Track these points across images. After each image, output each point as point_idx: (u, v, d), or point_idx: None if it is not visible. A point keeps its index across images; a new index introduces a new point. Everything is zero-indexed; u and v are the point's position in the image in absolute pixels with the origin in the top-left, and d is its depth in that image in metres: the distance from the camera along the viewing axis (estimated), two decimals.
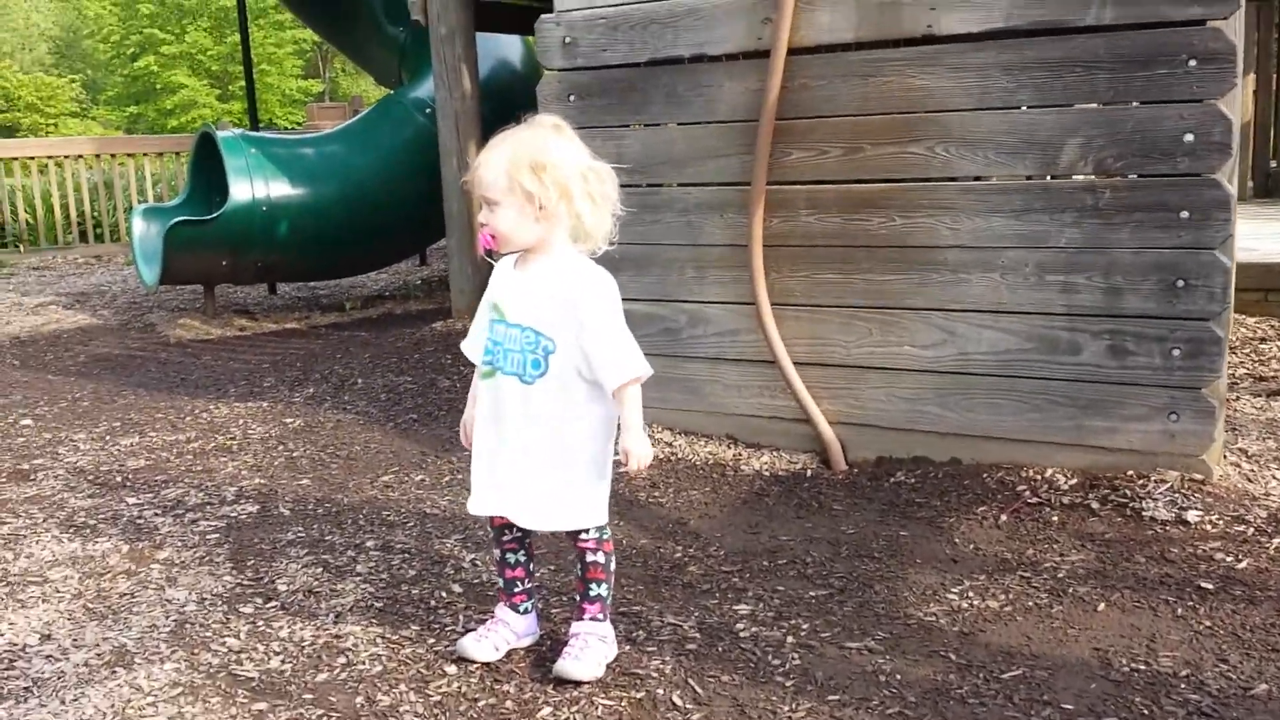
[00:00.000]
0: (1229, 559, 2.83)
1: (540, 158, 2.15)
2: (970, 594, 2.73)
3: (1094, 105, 3.20)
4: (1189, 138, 3.08)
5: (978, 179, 3.39)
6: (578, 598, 2.41)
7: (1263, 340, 4.93)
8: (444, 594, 2.82)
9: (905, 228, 3.46)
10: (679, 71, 3.71)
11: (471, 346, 2.42)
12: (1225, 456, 3.42)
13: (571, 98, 3.88)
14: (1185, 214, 3.13)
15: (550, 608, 2.70)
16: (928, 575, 2.84)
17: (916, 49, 3.38)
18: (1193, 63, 3.04)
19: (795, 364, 3.65)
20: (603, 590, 2.38)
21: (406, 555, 3.09)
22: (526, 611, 2.49)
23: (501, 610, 2.48)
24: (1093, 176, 3.25)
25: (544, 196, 2.15)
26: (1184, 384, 3.23)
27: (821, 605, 2.71)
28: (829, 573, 2.89)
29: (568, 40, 3.86)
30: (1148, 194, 3.17)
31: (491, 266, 2.44)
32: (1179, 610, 2.59)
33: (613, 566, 2.41)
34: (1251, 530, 2.98)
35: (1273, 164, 8.06)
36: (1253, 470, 3.38)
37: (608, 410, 2.32)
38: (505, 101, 4.88)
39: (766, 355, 3.69)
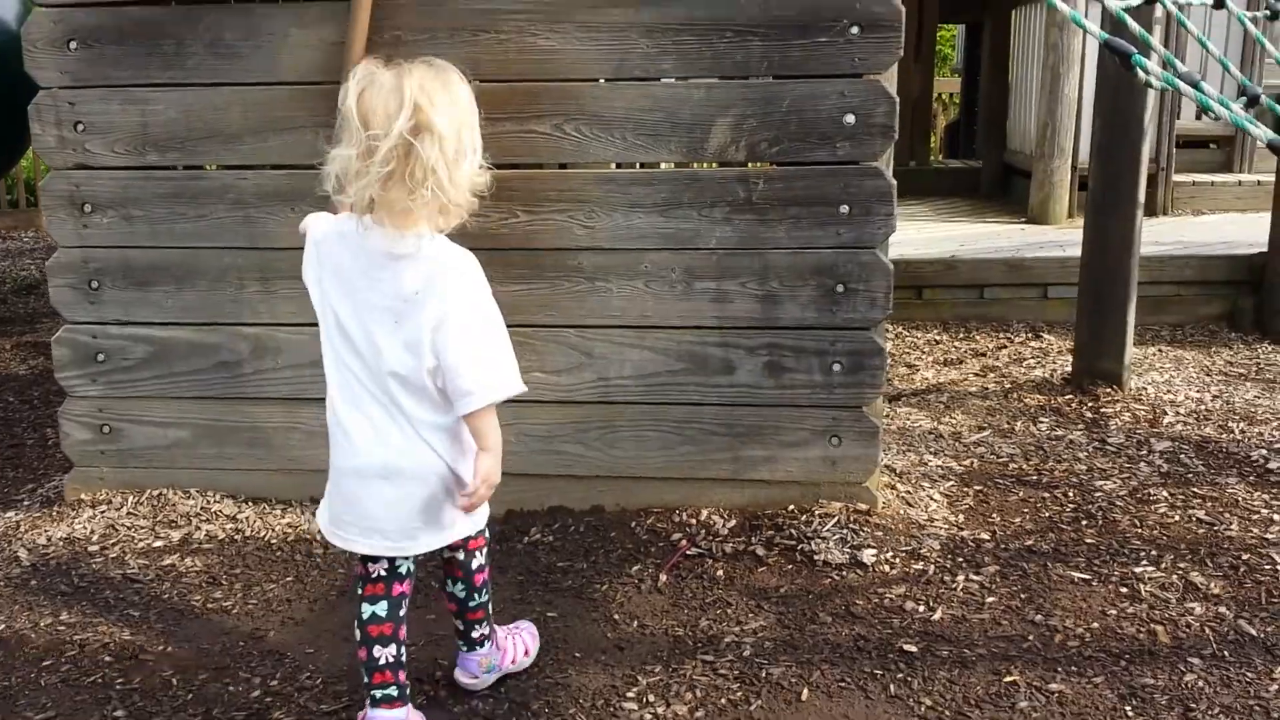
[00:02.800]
0: (920, 608, 2.43)
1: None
2: (651, 697, 2.10)
3: (746, 78, 2.70)
4: (849, 119, 2.68)
5: (617, 167, 2.79)
6: None
7: None
8: None
9: (531, 226, 2.78)
10: (227, 11, 2.77)
11: None
12: (881, 477, 3.09)
13: (72, 44, 2.79)
14: (845, 208, 2.73)
15: None
16: (593, 675, 2.18)
17: None
18: (854, 30, 2.64)
19: None
20: None
21: None
22: None
23: None
24: (746, 165, 2.76)
25: None
26: (845, 403, 2.84)
27: None
28: (468, 692, 2.13)
29: None
30: (805, 185, 2.73)
31: None
32: (890, 687, 2.13)
33: None
34: (932, 568, 2.62)
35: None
36: (908, 492, 3.07)
37: None
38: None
39: None
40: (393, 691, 1.89)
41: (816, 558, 2.65)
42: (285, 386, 2.93)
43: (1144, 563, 2.61)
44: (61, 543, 2.77)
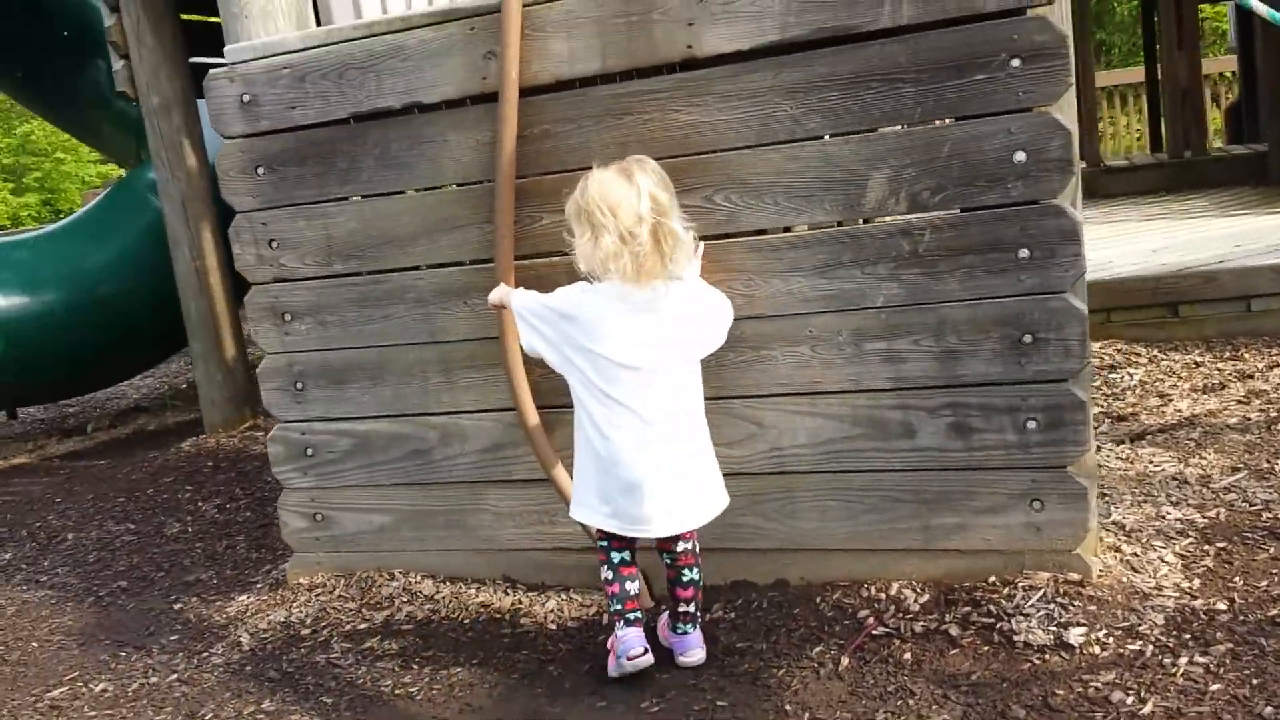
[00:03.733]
0: (1129, 699, 2.16)
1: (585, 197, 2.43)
2: None
3: (900, 127, 2.54)
4: (1020, 157, 2.45)
5: (760, 232, 2.70)
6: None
7: (1112, 368, 4.42)
8: None
9: None
10: (390, 126, 2.92)
11: None
12: (1101, 538, 2.79)
13: (260, 170, 3.04)
14: (1025, 252, 2.49)
15: None
16: None
17: (678, 76, 2.68)
18: (1015, 62, 2.42)
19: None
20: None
21: None
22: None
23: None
24: (908, 216, 2.59)
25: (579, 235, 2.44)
26: (1046, 463, 2.58)
27: None
28: None
29: (246, 98, 3.02)
30: (977, 231, 2.52)
31: None
32: None
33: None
34: (1151, 648, 2.32)
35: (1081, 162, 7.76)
36: (1135, 554, 2.75)
37: None
38: None
39: (540, 472, 2.89)
40: (640, 614, 2.50)
41: (1016, 638, 2.43)
42: (472, 470, 3.02)
43: None
44: (279, 627, 2.98)
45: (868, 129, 2.56)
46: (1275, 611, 2.39)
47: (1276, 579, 2.53)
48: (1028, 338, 2.54)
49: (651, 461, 2.42)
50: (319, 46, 2.95)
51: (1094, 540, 2.69)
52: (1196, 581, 2.58)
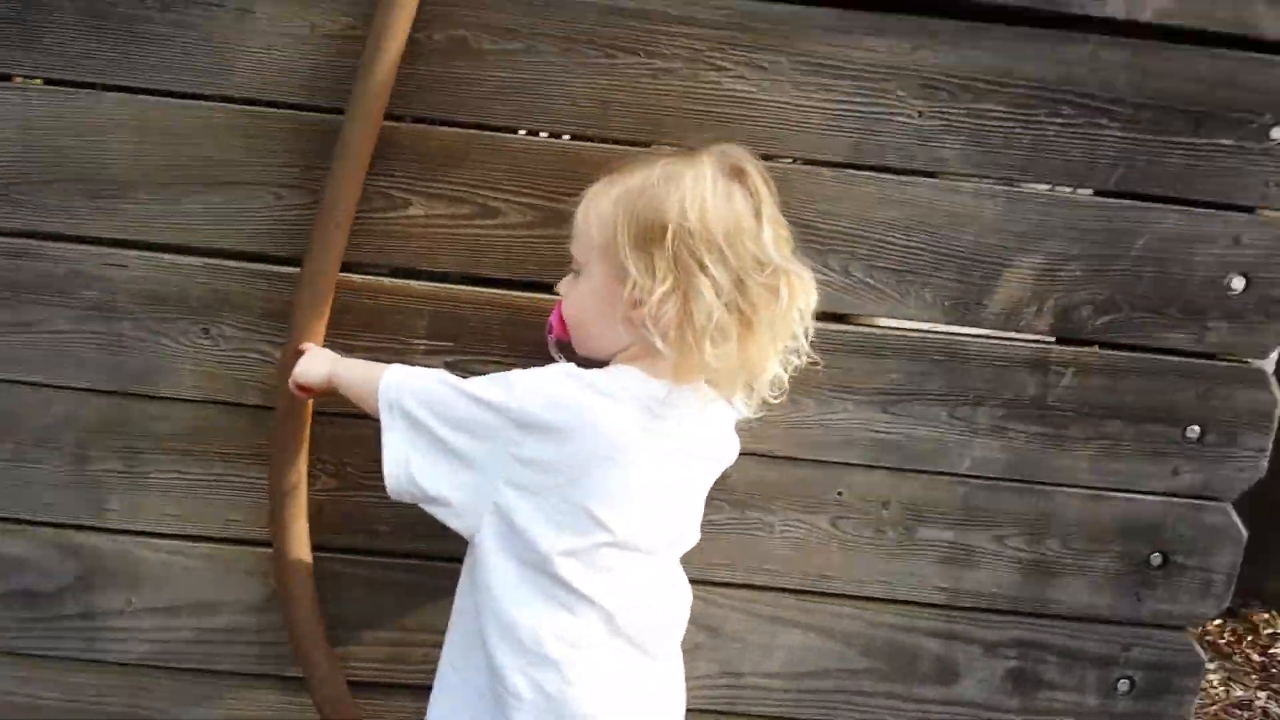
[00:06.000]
0: None
1: (669, 216, 1.12)
2: None
3: (1080, 190, 1.50)
4: (1237, 283, 1.52)
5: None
6: None
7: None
8: None
9: None
10: None
11: None
12: None
13: None
14: (1196, 430, 1.57)
15: None
16: None
17: (734, 5, 1.44)
18: (1277, 132, 1.47)
19: None
20: None
21: None
22: None
23: None
24: (1047, 341, 1.56)
25: (644, 285, 1.12)
26: None
27: None
28: None
29: None
30: (1142, 385, 1.56)
31: None
32: None
33: None
34: None
35: None
36: None
37: None
38: None
39: (296, 669, 1.50)
40: None
41: None
42: (152, 649, 1.54)
43: None
44: None
45: (1031, 180, 1.49)
46: None
47: None
48: (1159, 558, 1.60)
49: None
50: None
51: None
52: None
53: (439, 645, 1.45)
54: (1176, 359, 1.55)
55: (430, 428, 1.19)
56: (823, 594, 1.60)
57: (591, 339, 1.24)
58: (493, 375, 1.21)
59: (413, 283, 1.48)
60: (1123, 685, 1.66)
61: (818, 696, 1.64)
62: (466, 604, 1.26)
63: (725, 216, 1.15)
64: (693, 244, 1.13)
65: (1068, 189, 1.50)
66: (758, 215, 1.17)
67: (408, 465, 1.19)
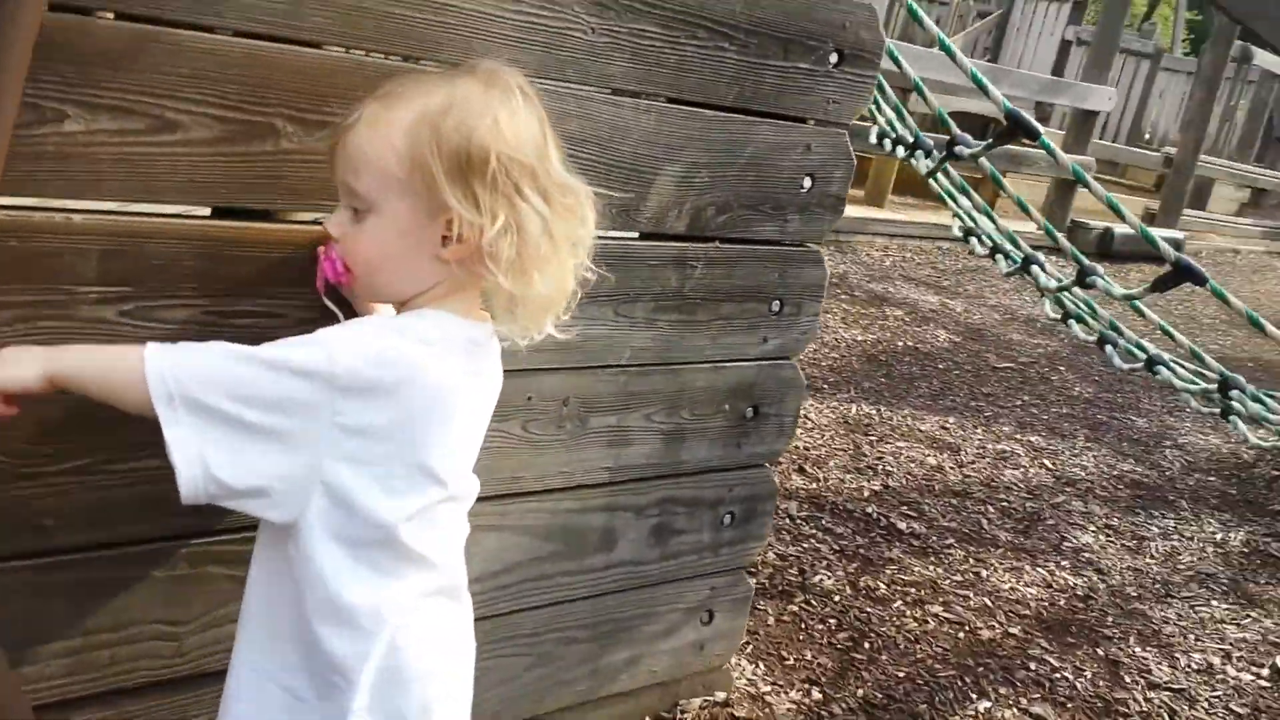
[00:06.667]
0: None
1: (487, 141, 1.05)
2: None
3: (709, 107, 1.72)
4: (806, 183, 1.87)
5: None
6: None
7: None
8: None
9: None
10: None
11: None
12: None
13: None
14: (777, 304, 1.92)
15: None
16: None
17: None
18: (834, 58, 1.82)
19: None
20: None
21: None
22: None
23: None
24: (683, 241, 1.77)
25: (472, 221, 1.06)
26: (728, 565, 2.07)
27: None
28: None
29: None
30: (745, 272, 1.86)
31: None
32: None
33: None
34: None
35: None
36: (740, 665, 2.35)
37: None
38: None
39: None
40: None
41: None
42: None
43: None
44: None
45: (673, 98, 1.67)
46: None
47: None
48: (751, 411, 1.97)
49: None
50: None
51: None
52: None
53: (126, 643, 1.31)
54: (767, 248, 1.86)
55: (227, 413, 1.04)
56: (515, 494, 1.68)
57: (389, 283, 1.17)
58: (292, 338, 1.09)
59: (74, 216, 1.22)
60: (727, 519, 2.00)
61: (509, 590, 1.73)
62: (272, 594, 1.15)
63: (533, 138, 1.15)
64: (512, 171, 1.12)
65: (702, 106, 1.70)
66: (545, 135, 1.19)
67: (204, 464, 1.04)
